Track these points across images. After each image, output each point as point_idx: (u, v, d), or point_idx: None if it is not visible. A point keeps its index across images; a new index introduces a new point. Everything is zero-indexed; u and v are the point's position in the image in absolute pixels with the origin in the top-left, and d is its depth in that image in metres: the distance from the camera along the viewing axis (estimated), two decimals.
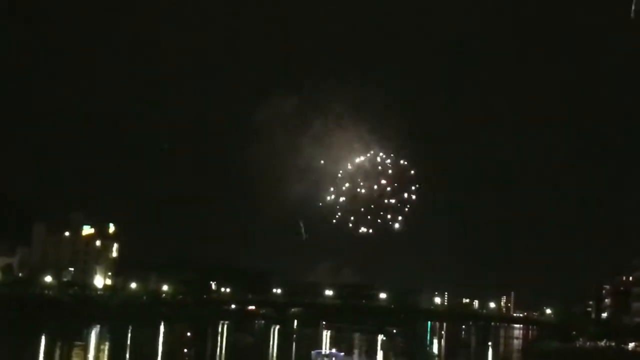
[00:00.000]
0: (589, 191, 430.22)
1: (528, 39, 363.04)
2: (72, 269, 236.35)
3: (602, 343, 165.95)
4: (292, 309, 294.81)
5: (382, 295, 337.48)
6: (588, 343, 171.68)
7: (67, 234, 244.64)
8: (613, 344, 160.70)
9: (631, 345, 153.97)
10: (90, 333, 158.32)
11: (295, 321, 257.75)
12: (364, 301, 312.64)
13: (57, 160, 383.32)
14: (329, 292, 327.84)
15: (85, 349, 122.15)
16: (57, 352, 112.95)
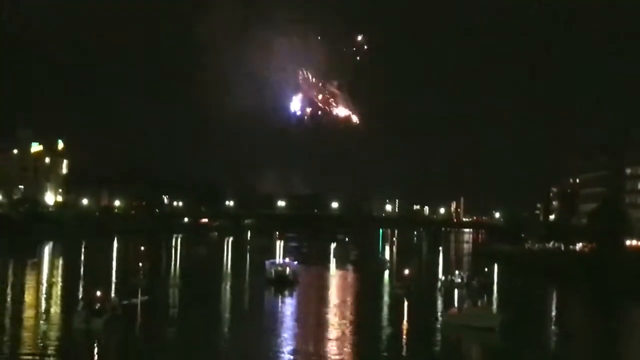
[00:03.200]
0: (539, 93, 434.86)
1: None
2: (22, 186, 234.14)
3: (551, 245, 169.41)
4: (246, 221, 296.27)
5: (334, 205, 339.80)
6: (537, 245, 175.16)
7: (15, 151, 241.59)
8: (561, 245, 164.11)
9: (579, 245, 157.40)
10: (44, 250, 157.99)
11: (249, 232, 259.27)
12: (315, 210, 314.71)
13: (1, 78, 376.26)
14: (281, 203, 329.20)
15: (39, 266, 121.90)
16: (11, 269, 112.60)
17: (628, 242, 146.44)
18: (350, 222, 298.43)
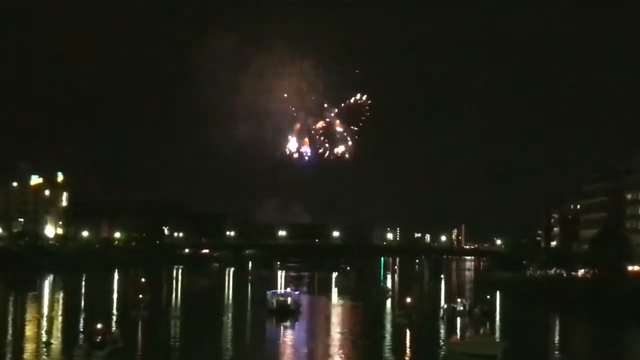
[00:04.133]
0: (536, 123, 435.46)
1: None
2: (21, 219, 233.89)
3: (552, 271, 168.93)
4: (246, 251, 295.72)
5: (335, 234, 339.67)
6: (538, 272, 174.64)
7: (15, 184, 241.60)
8: (563, 271, 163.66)
9: (580, 272, 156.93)
10: (44, 283, 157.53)
11: (250, 263, 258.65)
12: (316, 240, 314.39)
13: (1, 111, 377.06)
14: (282, 233, 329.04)
15: (40, 299, 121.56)
16: (11, 303, 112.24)
17: (630, 268, 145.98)
18: (352, 251, 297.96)
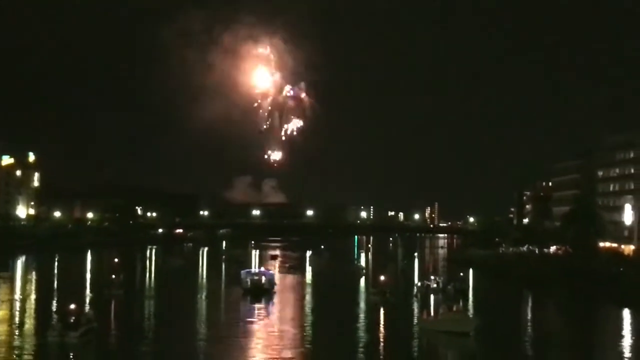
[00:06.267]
0: (509, 99, 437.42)
1: None
2: None
3: (524, 248, 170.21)
4: (221, 231, 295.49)
5: (309, 213, 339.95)
6: (511, 249, 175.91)
7: None
8: (535, 248, 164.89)
9: (552, 248, 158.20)
10: (16, 264, 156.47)
11: (224, 242, 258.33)
12: (286, 221, 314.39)
13: None
14: (256, 212, 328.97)
15: (12, 280, 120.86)
16: None
17: (601, 244, 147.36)
18: (326, 230, 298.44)
